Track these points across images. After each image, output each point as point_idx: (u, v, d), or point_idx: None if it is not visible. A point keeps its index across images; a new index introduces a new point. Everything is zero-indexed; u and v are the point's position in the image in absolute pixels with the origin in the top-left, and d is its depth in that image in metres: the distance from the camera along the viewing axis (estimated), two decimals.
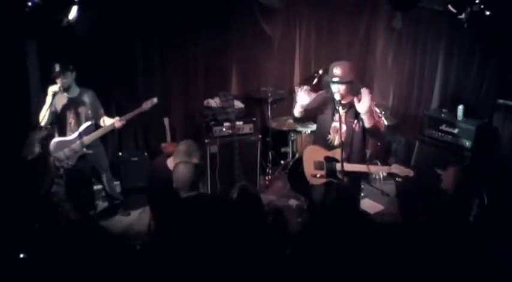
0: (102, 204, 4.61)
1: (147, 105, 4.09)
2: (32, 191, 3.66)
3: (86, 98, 4.05)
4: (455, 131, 4.75)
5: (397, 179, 5.29)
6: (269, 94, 5.16)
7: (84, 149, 4.01)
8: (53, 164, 3.95)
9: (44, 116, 3.79)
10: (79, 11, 3.77)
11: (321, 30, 5.67)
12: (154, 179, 3.32)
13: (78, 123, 4.00)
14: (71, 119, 3.99)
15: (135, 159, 4.81)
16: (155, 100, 4.13)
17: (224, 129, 4.66)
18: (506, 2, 4.33)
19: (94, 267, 2.60)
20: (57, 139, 3.97)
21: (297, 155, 5.01)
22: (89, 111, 4.04)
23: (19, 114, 4.13)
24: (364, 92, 3.29)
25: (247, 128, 4.77)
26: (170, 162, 3.20)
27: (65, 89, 3.89)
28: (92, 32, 4.30)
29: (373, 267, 2.45)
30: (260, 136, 4.85)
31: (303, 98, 3.38)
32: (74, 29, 3.97)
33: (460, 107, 4.84)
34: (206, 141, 4.62)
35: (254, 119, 4.89)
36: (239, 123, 4.72)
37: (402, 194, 4.83)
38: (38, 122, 3.82)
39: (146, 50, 5.02)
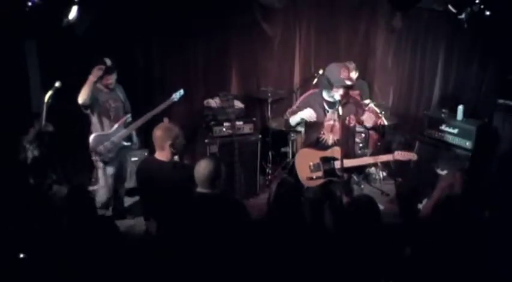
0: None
1: (176, 95, 4.25)
2: (32, 192, 3.65)
3: (119, 92, 4.16)
4: (455, 131, 4.75)
5: (397, 179, 5.30)
6: (269, 94, 5.16)
7: (123, 142, 4.12)
8: (94, 158, 4.06)
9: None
10: (79, 11, 3.77)
11: (321, 30, 5.67)
12: (144, 177, 3.27)
13: (117, 117, 4.09)
14: (110, 113, 4.05)
15: (135, 159, 4.80)
16: (182, 91, 4.28)
17: (224, 129, 4.66)
18: (506, 2, 4.34)
19: (94, 267, 2.60)
20: (97, 133, 4.02)
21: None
22: (123, 105, 4.17)
23: (19, 114, 4.13)
24: (369, 112, 3.51)
25: (247, 128, 4.76)
26: (158, 155, 3.19)
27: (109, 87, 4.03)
28: (92, 32, 4.30)
29: (373, 266, 2.46)
30: (260, 136, 4.84)
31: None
32: (74, 29, 3.97)
33: (460, 107, 4.84)
34: (206, 141, 4.62)
35: (254, 119, 4.89)
36: (239, 123, 4.72)
37: (402, 194, 4.84)
38: (29, 125, 3.83)
39: (146, 50, 5.02)
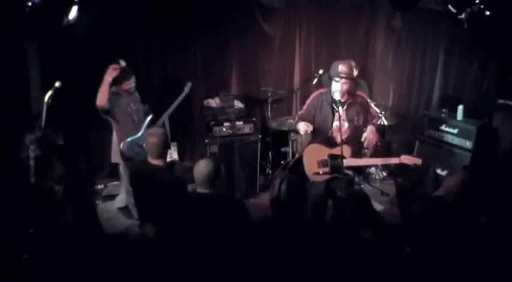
0: (102, 205, 4.61)
1: (187, 88, 4.33)
2: (32, 191, 3.65)
3: (137, 94, 4.12)
4: (455, 131, 4.75)
5: (397, 179, 5.29)
6: (269, 94, 5.16)
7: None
8: (123, 164, 4.02)
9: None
10: (79, 11, 3.77)
11: (321, 30, 5.67)
12: (140, 182, 3.27)
13: (140, 120, 4.03)
14: (133, 117, 4.00)
15: None
16: (190, 84, 4.36)
17: (224, 129, 4.66)
18: (506, 2, 4.34)
19: (94, 267, 2.60)
20: (128, 139, 3.91)
21: (297, 155, 5.00)
22: (143, 107, 4.13)
23: (19, 114, 4.12)
24: (371, 130, 3.62)
25: (247, 128, 4.76)
26: (154, 160, 3.18)
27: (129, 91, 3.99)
28: (92, 32, 4.30)
29: (372, 266, 2.46)
30: (260, 136, 4.84)
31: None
32: (74, 29, 3.97)
33: (460, 107, 4.84)
34: (206, 141, 4.62)
35: (254, 119, 4.89)
36: (239, 123, 4.72)
37: (402, 194, 4.83)
38: (33, 124, 3.81)
39: (146, 50, 5.02)
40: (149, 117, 4.08)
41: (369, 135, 3.65)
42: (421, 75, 5.73)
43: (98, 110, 3.80)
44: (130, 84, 3.96)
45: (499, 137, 4.71)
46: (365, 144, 3.67)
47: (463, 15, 4.35)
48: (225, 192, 2.88)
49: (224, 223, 2.63)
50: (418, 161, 3.59)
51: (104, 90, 3.72)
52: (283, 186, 2.71)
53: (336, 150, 3.60)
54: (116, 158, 4.21)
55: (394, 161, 3.69)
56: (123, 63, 3.87)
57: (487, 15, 4.28)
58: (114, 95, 3.84)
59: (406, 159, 3.57)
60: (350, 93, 3.64)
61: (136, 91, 4.13)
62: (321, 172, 3.66)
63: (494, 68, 5.16)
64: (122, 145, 3.92)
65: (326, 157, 3.64)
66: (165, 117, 4.18)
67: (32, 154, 3.64)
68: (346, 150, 3.54)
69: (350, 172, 3.63)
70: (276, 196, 2.70)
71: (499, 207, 3.45)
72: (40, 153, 3.69)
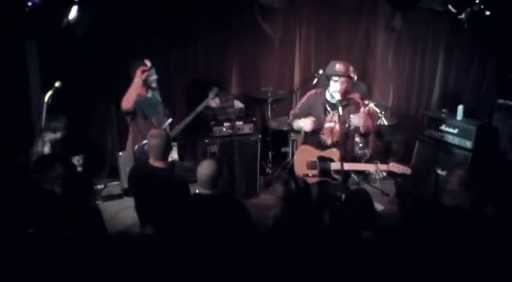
0: (102, 205, 4.60)
1: (212, 94, 4.24)
2: (33, 191, 3.65)
3: (158, 96, 4.07)
4: (455, 131, 4.75)
5: (397, 179, 5.29)
6: (269, 94, 5.16)
7: None
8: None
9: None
10: (79, 11, 3.77)
11: (321, 30, 5.67)
12: (140, 184, 3.25)
13: (159, 122, 3.96)
14: (153, 119, 3.92)
15: None
16: (216, 89, 4.29)
17: (224, 129, 4.66)
18: (506, 2, 4.34)
19: (94, 267, 2.60)
20: (141, 143, 3.81)
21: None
22: (165, 109, 4.08)
23: (19, 114, 4.13)
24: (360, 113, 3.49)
25: (247, 128, 4.76)
26: (155, 162, 3.18)
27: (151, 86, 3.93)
28: (92, 32, 4.30)
29: (371, 267, 2.46)
30: (260, 136, 4.84)
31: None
32: (74, 29, 3.97)
33: (460, 107, 4.84)
34: (206, 141, 4.62)
35: (254, 119, 4.89)
36: (239, 123, 4.72)
37: (402, 194, 4.83)
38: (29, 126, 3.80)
39: (146, 50, 5.01)
40: (169, 121, 4.03)
41: (357, 116, 3.46)
42: (421, 75, 5.73)
43: (122, 112, 3.77)
44: (153, 75, 3.90)
45: (499, 137, 4.71)
46: (351, 122, 3.48)
47: (463, 15, 4.35)
48: (227, 192, 2.88)
49: (223, 223, 2.64)
50: (407, 170, 3.50)
51: (133, 93, 3.67)
52: (291, 187, 2.69)
53: (325, 153, 3.59)
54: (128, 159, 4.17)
55: (383, 167, 3.59)
56: (149, 63, 3.82)
57: (487, 15, 4.29)
58: (136, 97, 3.77)
59: (395, 167, 3.48)
60: (347, 93, 3.62)
61: (158, 90, 4.08)
62: (310, 174, 3.63)
63: (494, 68, 5.16)
64: (136, 147, 3.85)
65: (315, 159, 3.63)
66: (187, 121, 4.11)
67: (46, 150, 3.63)
68: (336, 153, 3.53)
69: (338, 176, 3.57)
70: (284, 195, 2.68)
71: (499, 207, 3.45)
72: (49, 152, 3.69)
